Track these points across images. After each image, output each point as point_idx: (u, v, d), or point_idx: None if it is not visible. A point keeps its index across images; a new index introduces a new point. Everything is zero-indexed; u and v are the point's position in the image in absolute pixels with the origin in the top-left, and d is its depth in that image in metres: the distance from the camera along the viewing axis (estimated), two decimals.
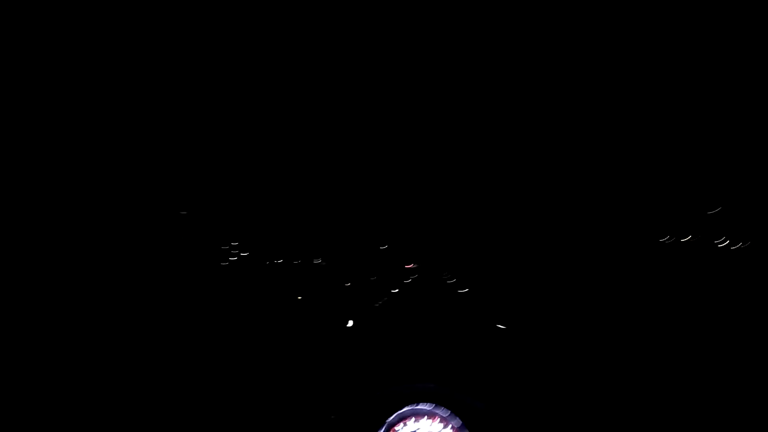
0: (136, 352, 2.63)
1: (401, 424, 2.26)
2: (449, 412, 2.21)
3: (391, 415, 2.23)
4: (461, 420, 2.19)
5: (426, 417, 2.25)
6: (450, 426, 2.23)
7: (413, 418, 2.26)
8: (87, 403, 2.29)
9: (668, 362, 2.38)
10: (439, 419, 2.25)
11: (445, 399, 2.24)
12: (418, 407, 2.25)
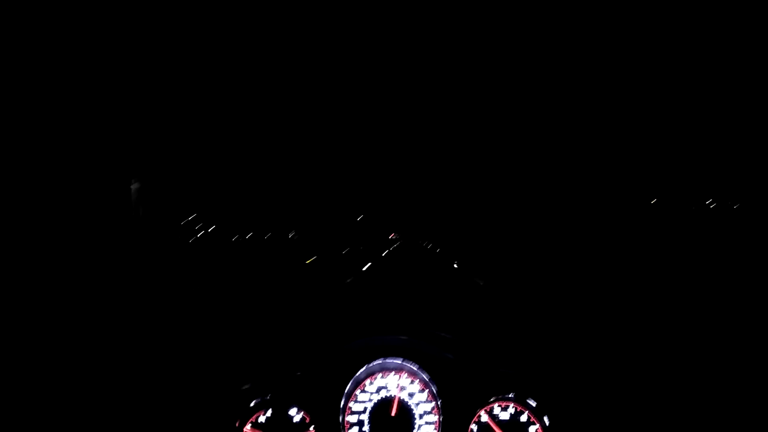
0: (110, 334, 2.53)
1: (368, 379, 2.21)
2: (418, 366, 2.16)
3: (359, 371, 2.18)
4: (429, 374, 2.14)
5: (394, 372, 2.20)
6: (418, 380, 2.19)
7: (381, 373, 2.21)
8: (84, 401, 2.19)
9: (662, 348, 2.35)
10: (407, 374, 2.20)
11: (414, 353, 2.19)
12: (386, 362, 2.19)
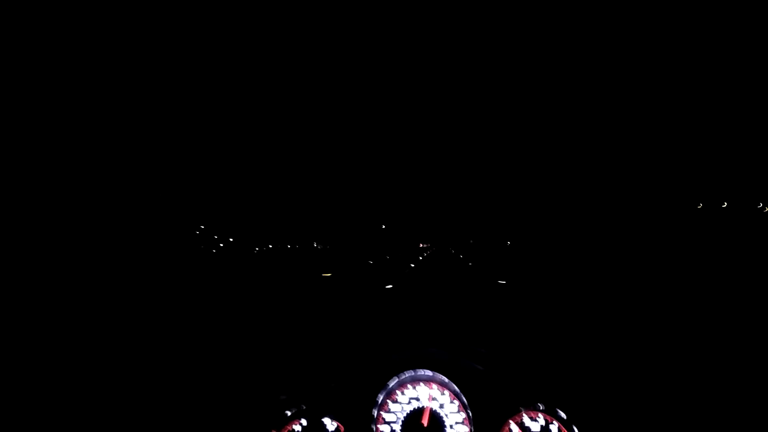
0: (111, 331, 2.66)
1: (400, 390, 2.26)
2: (448, 378, 2.21)
3: (392, 381, 2.24)
4: (459, 385, 2.19)
5: (425, 383, 2.25)
6: (448, 391, 2.23)
7: (412, 384, 2.26)
8: (82, 400, 2.33)
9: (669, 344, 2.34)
10: (437, 385, 2.25)
11: (445, 365, 2.23)
12: (417, 373, 2.25)
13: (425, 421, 2.20)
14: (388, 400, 2.25)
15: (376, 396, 2.21)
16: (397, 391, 2.26)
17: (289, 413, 2.23)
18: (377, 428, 2.21)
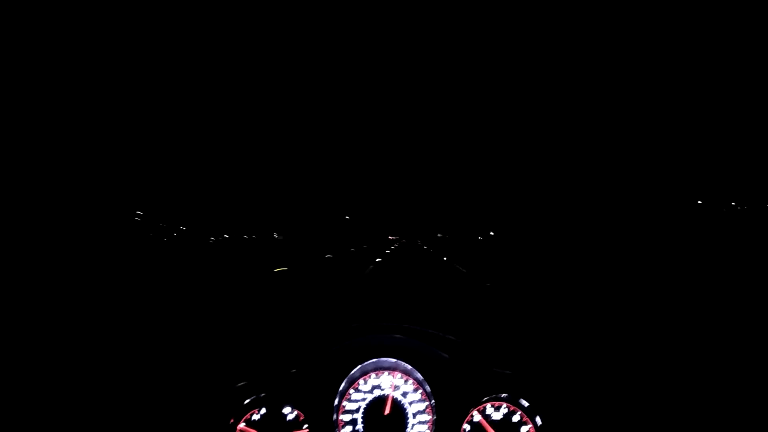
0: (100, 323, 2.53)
1: (363, 378, 2.22)
2: (411, 366, 2.17)
3: (353, 369, 2.19)
4: (423, 374, 2.15)
5: (388, 371, 2.21)
6: (412, 379, 2.20)
7: (375, 373, 2.22)
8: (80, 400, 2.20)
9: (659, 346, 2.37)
10: (400, 373, 2.21)
11: (409, 353, 2.20)
12: (380, 361, 2.20)
13: (387, 410, 2.16)
14: (350, 389, 2.20)
15: (338, 384, 2.16)
16: (360, 380, 2.21)
17: (247, 401, 2.16)
18: (338, 417, 2.16)
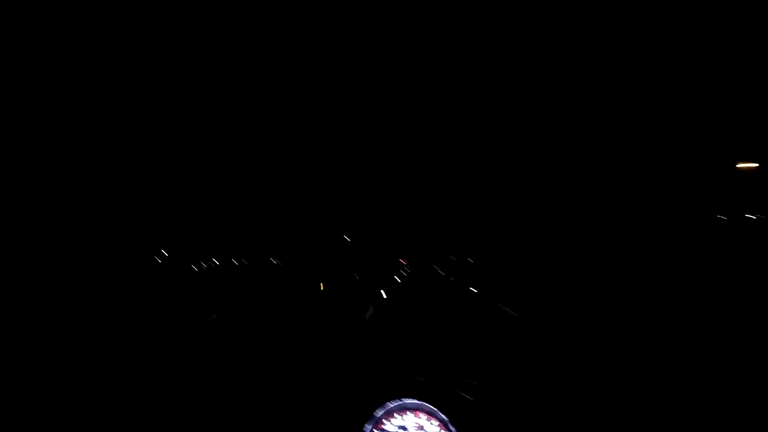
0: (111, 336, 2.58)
1: (388, 418, 2.25)
2: (436, 407, 2.20)
3: (379, 410, 2.22)
4: (447, 415, 2.18)
5: (411, 411, 2.24)
6: (436, 420, 2.22)
7: (400, 413, 2.25)
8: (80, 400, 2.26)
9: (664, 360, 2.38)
10: (425, 414, 2.24)
11: (433, 393, 2.23)
12: (406, 402, 2.23)
13: None
14: (375, 429, 2.23)
15: (363, 426, 2.19)
16: (384, 420, 2.24)
17: None
18: None
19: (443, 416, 2.19)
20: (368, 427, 2.21)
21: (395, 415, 2.25)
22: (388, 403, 2.22)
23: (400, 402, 2.23)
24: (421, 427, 2.22)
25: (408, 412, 2.25)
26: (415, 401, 2.22)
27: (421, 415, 2.24)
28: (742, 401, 2.06)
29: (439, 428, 2.21)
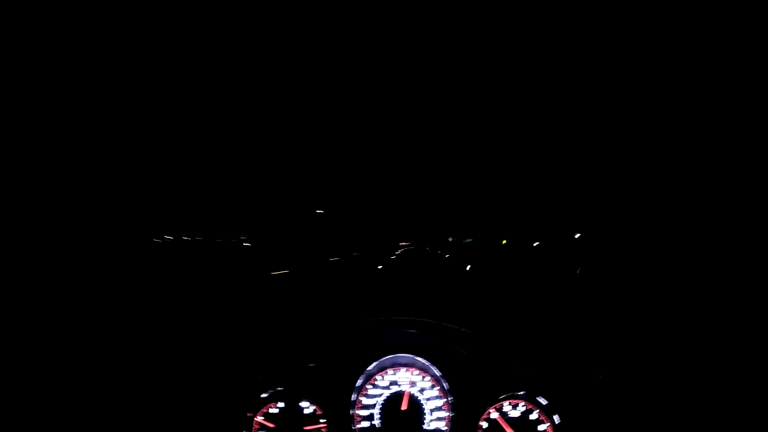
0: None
1: (380, 374, 2.22)
2: (429, 361, 2.17)
3: (370, 365, 2.19)
4: (441, 370, 2.15)
5: (405, 367, 2.22)
6: (429, 376, 2.20)
7: (392, 368, 2.23)
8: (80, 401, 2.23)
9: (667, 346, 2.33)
10: (418, 369, 2.21)
11: (427, 349, 2.20)
12: (398, 357, 2.21)
13: (404, 406, 2.17)
14: (367, 385, 2.21)
15: (356, 380, 2.17)
16: (377, 376, 2.22)
17: (265, 395, 2.18)
18: (356, 412, 2.17)
19: (436, 371, 2.16)
20: (360, 381, 2.18)
21: (388, 370, 2.23)
22: (381, 358, 2.20)
23: (393, 357, 2.20)
24: (413, 383, 2.20)
25: (401, 368, 2.22)
26: (408, 356, 2.19)
27: (414, 370, 2.21)
28: (743, 401, 2.03)
29: (431, 383, 2.19)
